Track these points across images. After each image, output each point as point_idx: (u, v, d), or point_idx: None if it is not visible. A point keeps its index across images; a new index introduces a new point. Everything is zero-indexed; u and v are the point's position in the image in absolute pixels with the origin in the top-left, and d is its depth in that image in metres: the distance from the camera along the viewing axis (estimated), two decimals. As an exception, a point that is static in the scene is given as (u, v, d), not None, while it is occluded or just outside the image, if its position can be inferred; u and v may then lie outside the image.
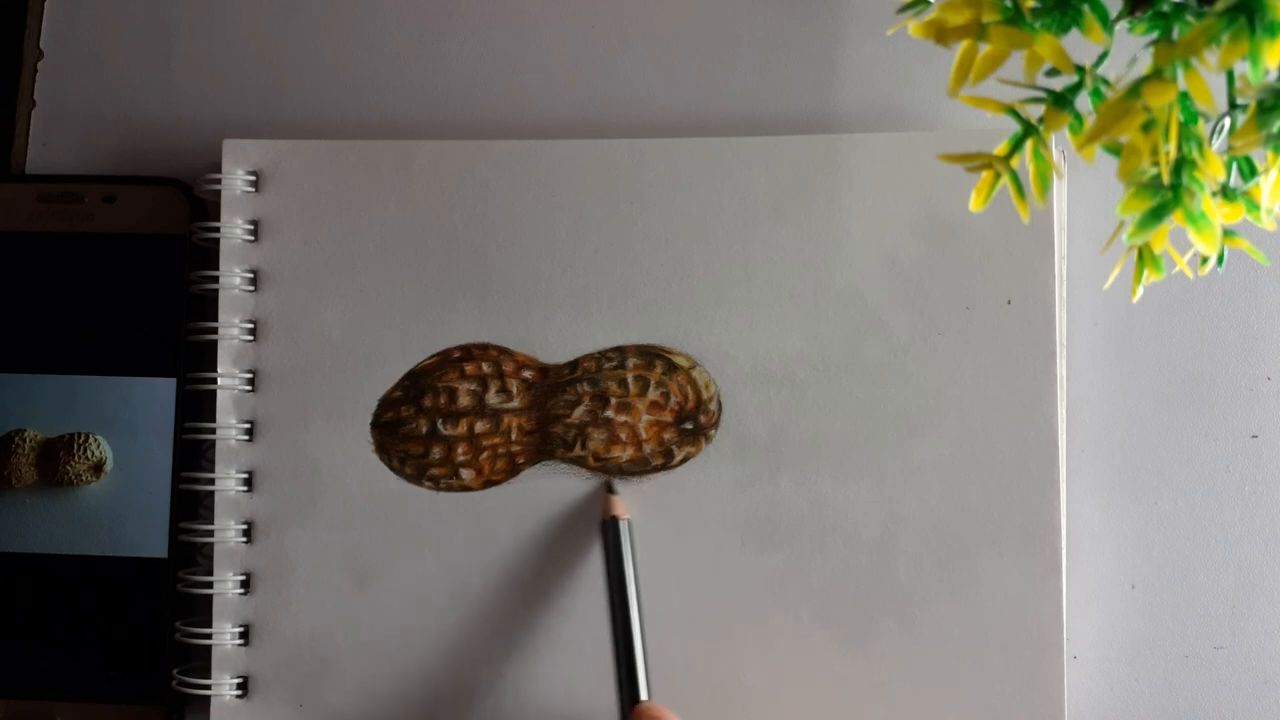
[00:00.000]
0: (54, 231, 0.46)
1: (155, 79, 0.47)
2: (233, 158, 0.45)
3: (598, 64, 0.47)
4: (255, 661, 0.43)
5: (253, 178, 0.45)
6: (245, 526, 0.43)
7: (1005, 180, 0.31)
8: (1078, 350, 0.44)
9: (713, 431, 0.43)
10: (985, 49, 0.29)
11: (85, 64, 0.48)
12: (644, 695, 0.37)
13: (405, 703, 0.42)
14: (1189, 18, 0.28)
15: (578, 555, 0.42)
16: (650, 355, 0.43)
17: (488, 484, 0.43)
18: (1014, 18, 0.28)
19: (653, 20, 0.47)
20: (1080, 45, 0.29)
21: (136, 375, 0.45)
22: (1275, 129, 0.26)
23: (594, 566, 0.42)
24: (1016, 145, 0.31)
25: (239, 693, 0.43)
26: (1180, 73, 0.26)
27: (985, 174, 0.31)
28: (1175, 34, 0.28)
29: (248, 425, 0.44)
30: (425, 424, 0.43)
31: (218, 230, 0.44)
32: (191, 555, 0.44)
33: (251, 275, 0.44)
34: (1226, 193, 0.31)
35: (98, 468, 0.44)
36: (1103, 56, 0.30)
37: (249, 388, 0.44)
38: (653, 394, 0.43)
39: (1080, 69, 0.29)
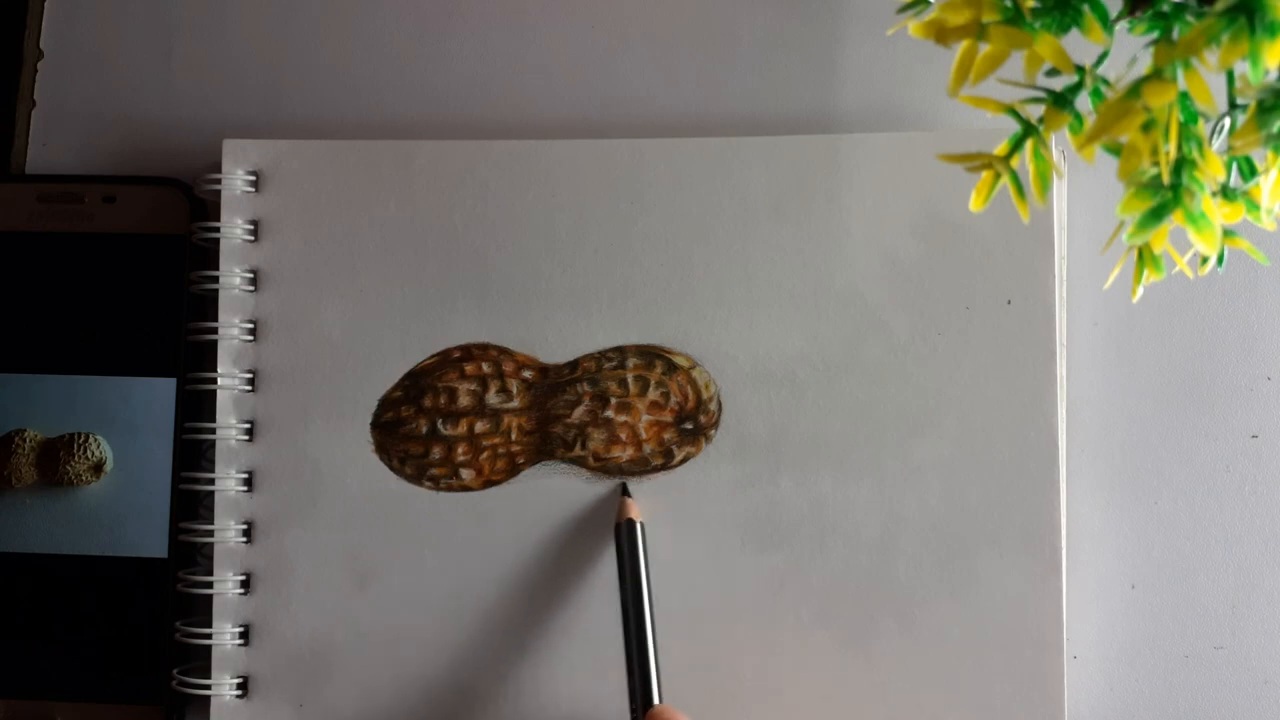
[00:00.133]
0: (54, 231, 0.46)
1: (155, 79, 0.47)
2: (233, 158, 0.45)
3: (598, 64, 0.47)
4: (255, 661, 0.43)
5: (253, 178, 0.45)
6: (245, 526, 0.43)
7: (1005, 180, 0.31)
8: (1078, 350, 0.44)
9: (713, 431, 0.43)
10: (985, 49, 0.29)
11: (85, 64, 0.48)
12: (657, 698, 0.37)
13: (405, 703, 0.42)
14: (1189, 18, 0.28)
15: (578, 555, 0.42)
16: (650, 355, 0.43)
17: (488, 484, 0.43)
18: (1014, 18, 0.28)
19: (653, 20, 0.47)
20: (1080, 45, 0.29)
21: (136, 375, 0.45)
22: (1275, 129, 0.26)
23: (595, 566, 0.42)
24: (1016, 145, 0.31)
25: (239, 693, 0.43)
26: (1180, 73, 0.26)
27: (985, 174, 0.31)
28: (1175, 34, 0.28)
29: (248, 425, 0.44)
30: (425, 424, 0.43)
31: (218, 230, 0.44)
32: (191, 555, 0.44)
33: (251, 275, 0.44)
34: (1226, 193, 0.31)
35: (98, 468, 0.44)
36: (1103, 56, 0.30)
37: (249, 388, 0.44)
38: (653, 394, 0.43)
39: (1080, 69, 0.29)
